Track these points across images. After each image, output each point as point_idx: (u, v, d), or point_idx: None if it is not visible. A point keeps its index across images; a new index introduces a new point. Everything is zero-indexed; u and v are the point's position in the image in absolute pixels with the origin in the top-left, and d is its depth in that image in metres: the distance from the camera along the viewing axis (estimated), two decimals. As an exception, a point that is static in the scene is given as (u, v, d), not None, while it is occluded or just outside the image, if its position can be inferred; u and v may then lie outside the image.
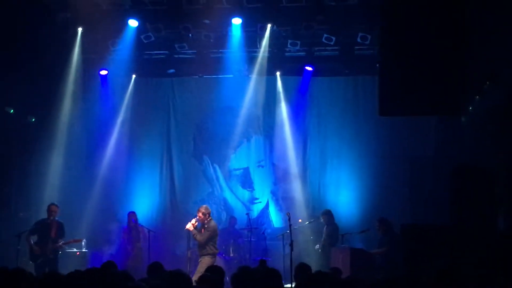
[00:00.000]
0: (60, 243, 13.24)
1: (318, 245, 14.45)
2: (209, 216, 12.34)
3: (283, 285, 7.41)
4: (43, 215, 13.40)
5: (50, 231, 13.15)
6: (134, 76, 16.81)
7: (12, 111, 15.28)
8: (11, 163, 15.46)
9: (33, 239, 13.15)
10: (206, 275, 6.32)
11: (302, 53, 15.99)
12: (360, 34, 14.86)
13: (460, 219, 10.45)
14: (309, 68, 16.13)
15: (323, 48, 15.65)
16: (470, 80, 11.08)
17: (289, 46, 15.61)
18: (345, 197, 16.20)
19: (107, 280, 6.53)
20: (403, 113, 11.38)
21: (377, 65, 10.57)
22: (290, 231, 12.50)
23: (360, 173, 16.15)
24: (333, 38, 15.03)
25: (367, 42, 14.94)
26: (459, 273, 5.27)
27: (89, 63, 16.03)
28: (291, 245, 12.14)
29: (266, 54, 15.89)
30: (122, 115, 16.75)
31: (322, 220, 14.61)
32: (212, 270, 6.91)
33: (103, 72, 16.38)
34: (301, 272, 8.16)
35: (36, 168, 15.63)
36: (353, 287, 6.34)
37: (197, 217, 12.29)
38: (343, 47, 15.53)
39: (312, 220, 14.96)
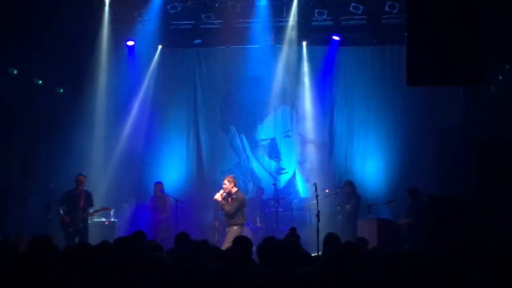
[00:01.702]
0: (90, 212, 13.45)
1: (340, 216, 14.49)
2: (235, 186, 12.37)
3: (304, 253, 7.45)
4: (72, 185, 13.58)
5: (79, 201, 13.36)
6: (160, 46, 16.79)
7: (40, 82, 15.40)
8: (40, 135, 15.62)
9: (63, 209, 13.36)
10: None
11: (329, 23, 15.84)
12: (388, 3, 14.74)
13: (485, 191, 10.38)
14: (336, 38, 15.99)
15: (351, 17, 15.53)
16: (499, 50, 10.94)
17: (316, 15, 15.50)
18: (372, 167, 16.17)
19: (136, 249, 6.60)
20: (431, 83, 11.24)
21: (405, 34, 10.45)
22: (317, 201, 12.50)
23: (387, 143, 16.08)
24: (361, 7, 14.93)
25: (395, 11, 14.79)
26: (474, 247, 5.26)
27: (116, 34, 16.08)
28: (317, 215, 12.14)
29: (293, 23, 15.78)
30: (148, 85, 16.77)
31: (347, 190, 14.64)
32: (240, 240, 6.96)
33: (130, 43, 16.40)
34: (330, 242, 8.19)
35: (65, 139, 15.78)
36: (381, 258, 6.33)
37: (223, 186, 12.36)
38: (371, 16, 15.37)
39: (338, 191, 14.95)
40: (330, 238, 8.52)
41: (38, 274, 5.65)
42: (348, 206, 14.39)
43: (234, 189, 12.35)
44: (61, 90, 15.97)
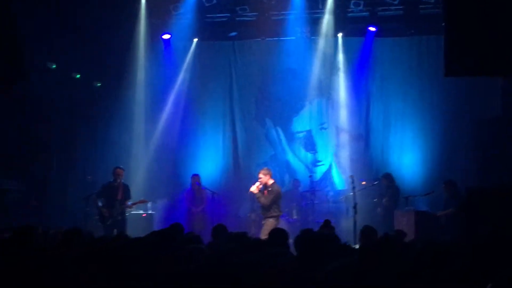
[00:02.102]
0: (128, 204, 13.58)
1: (379, 208, 14.38)
2: (270, 178, 12.37)
3: (341, 245, 7.42)
4: (110, 178, 13.72)
5: (116, 194, 13.48)
6: (195, 39, 16.81)
7: (78, 76, 15.59)
8: (79, 128, 15.83)
9: (101, 201, 13.50)
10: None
11: (365, 13, 15.69)
12: (425, -7, 14.59)
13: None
14: (372, 29, 15.83)
15: (387, 8, 15.39)
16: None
17: (352, 6, 15.41)
18: (409, 159, 16.01)
19: (175, 241, 6.63)
20: (470, 74, 11.13)
21: (443, 24, 10.32)
22: (354, 193, 12.45)
23: (425, 135, 15.91)
24: (397, -2, 14.81)
25: (432, 1, 14.65)
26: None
27: (152, 28, 16.16)
28: (355, 207, 12.10)
29: (329, 15, 15.71)
30: (184, 78, 16.80)
31: (383, 183, 14.54)
32: (276, 232, 6.96)
33: (166, 36, 16.45)
34: (367, 234, 8.16)
35: (103, 132, 15.98)
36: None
37: (259, 179, 12.36)
38: (408, 7, 15.24)
39: (375, 183, 14.85)
40: (367, 231, 8.50)
41: (65, 266, 5.70)
42: (384, 199, 14.30)
43: (270, 181, 12.35)
44: (99, 84, 16.13)
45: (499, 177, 12.63)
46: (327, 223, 9.75)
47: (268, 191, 12.26)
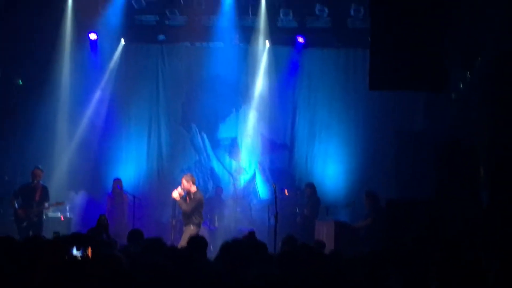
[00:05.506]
0: (45, 206, 13.23)
1: (299, 218, 14.44)
2: (193, 184, 12.25)
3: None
4: (29, 178, 13.35)
5: (34, 195, 13.14)
6: (122, 41, 16.53)
7: (-1, 74, 15.18)
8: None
9: (18, 202, 13.12)
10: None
11: (294, 24, 15.81)
12: (353, 7, 14.76)
13: (443, 194, 10.48)
14: (300, 39, 15.96)
15: (316, 19, 15.51)
16: (461, 58, 11.03)
17: (281, 16, 15.47)
18: (332, 170, 16.18)
19: (91, 246, 6.48)
20: (393, 88, 11.33)
21: (369, 38, 10.49)
22: (276, 202, 12.46)
23: (348, 146, 16.12)
24: (326, 10, 14.92)
25: (360, 15, 14.85)
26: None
27: (80, 27, 15.83)
28: (276, 216, 12.09)
29: (258, 23, 15.75)
30: (110, 80, 16.52)
31: (305, 192, 14.63)
32: (195, 239, 6.88)
33: (93, 36, 16.09)
34: (287, 244, 8.16)
35: (23, 131, 15.52)
36: (337, 261, 6.33)
37: (181, 185, 12.23)
38: (336, 19, 15.39)
39: (298, 192, 14.95)
40: (288, 240, 8.50)
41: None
42: (305, 209, 14.39)
43: (193, 189, 12.23)
44: (20, 82, 15.68)
45: (418, 189, 12.87)
46: (251, 234, 9.68)
47: (190, 198, 12.15)
